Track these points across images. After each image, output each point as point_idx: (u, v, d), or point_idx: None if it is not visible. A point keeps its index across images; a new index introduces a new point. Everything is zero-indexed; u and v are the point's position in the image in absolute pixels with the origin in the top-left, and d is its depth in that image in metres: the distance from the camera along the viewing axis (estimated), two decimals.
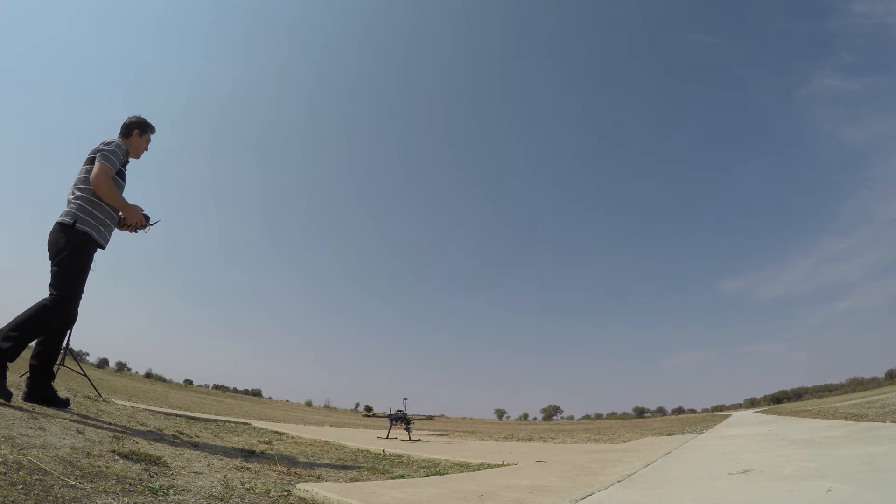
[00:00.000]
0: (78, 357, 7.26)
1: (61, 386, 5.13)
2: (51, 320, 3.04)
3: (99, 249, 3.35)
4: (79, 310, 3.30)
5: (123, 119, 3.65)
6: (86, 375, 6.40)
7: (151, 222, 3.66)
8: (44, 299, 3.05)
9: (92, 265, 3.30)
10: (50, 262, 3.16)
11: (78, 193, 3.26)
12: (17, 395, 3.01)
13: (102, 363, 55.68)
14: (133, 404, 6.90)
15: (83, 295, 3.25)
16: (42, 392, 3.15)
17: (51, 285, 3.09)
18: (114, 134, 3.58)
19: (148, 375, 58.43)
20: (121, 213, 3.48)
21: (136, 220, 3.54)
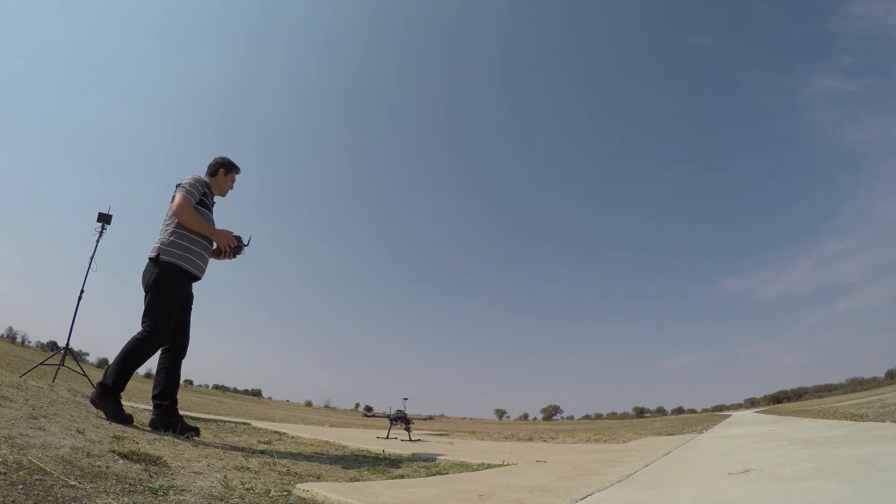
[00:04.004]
0: (78, 357, 7.25)
1: (61, 386, 5.13)
2: (144, 351, 3.31)
3: (196, 280, 3.58)
4: (189, 340, 3.65)
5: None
6: (86, 375, 6.41)
7: (245, 242, 3.59)
8: (137, 333, 3.34)
9: (189, 294, 3.59)
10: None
11: (165, 228, 3.48)
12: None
13: (102, 363, 55.62)
14: (133, 404, 6.89)
15: (173, 322, 3.46)
16: (170, 423, 3.40)
17: (143, 317, 3.39)
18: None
19: (148, 376, 58.22)
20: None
21: (228, 243, 3.54)
